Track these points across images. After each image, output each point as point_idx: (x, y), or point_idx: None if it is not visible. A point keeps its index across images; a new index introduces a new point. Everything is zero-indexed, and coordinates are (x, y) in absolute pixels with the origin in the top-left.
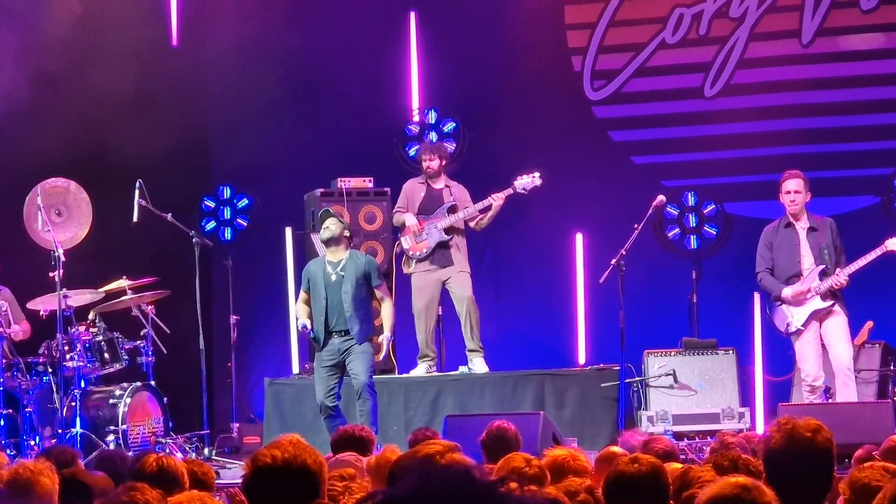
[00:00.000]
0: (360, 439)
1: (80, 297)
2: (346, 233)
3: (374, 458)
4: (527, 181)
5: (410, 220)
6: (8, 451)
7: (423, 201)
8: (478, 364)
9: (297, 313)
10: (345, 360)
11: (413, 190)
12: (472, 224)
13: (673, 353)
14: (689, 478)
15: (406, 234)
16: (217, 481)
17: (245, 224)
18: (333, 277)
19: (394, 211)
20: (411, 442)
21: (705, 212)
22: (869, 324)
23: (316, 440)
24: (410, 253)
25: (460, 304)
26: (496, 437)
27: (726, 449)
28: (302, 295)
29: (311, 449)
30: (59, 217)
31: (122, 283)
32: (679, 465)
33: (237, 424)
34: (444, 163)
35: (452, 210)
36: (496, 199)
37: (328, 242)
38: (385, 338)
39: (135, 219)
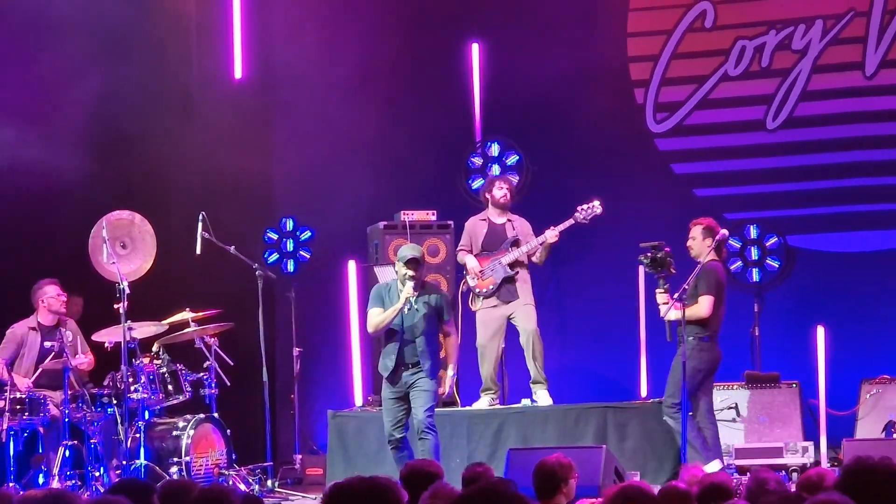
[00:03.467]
0: (429, 475)
1: (144, 329)
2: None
3: (428, 493)
4: (587, 210)
5: (471, 262)
6: (73, 482)
7: (485, 237)
8: (542, 396)
9: (385, 315)
10: (409, 393)
11: (475, 227)
12: (533, 259)
13: (735, 387)
14: None
15: (470, 273)
16: None
17: (308, 256)
18: (407, 311)
19: (457, 249)
20: (465, 478)
21: (767, 244)
22: None
23: (378, 472)
24: (477, 290)
25: (525, 336)
26: (537, 475)
27: (762, 487)
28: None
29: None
30: (124, 249)
31: (186, 315)
32: None
33: (300, 456)
34: (511, 196)
35: (516, 244)
36: (550, 237)
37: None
38: (449, 376)
39: (198, 251)
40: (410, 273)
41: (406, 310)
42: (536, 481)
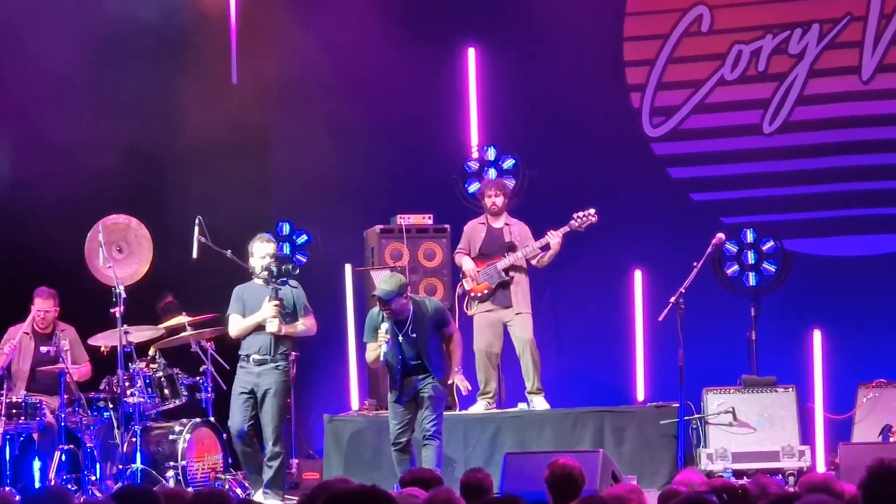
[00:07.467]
0: (428, 482)
1: (140, 334)
2: (404, 295)
3: (427, 496)
4: (582, 218)
5: (468, 264)
6: (69, 487)
7: (483, 241)
8: (538, 402)
9: (375, 355)
10: (417, 397)
11: (474, 231)
12: (533, 262)
13: (732, 391)
14: None
15: (466, 276)
16: None
17: (304, 260)
18: (401, 338)
19: (455, 252)
20: (463, 483)
21: (764, 248)
22: None
23: (375, 477)
24: (472, 294)
25: (521, 347)
26: (561, 475)
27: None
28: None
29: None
30: (120, 253)
31: (182, 319)
32: None
33: (296, 460)
34: (506, 200)
35: (512, 249)
36: (553, 237)
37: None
38: (453, 371)
39: (194, 255)
40: (384, 312)
41: (401, 339)
42: (561, 483)
